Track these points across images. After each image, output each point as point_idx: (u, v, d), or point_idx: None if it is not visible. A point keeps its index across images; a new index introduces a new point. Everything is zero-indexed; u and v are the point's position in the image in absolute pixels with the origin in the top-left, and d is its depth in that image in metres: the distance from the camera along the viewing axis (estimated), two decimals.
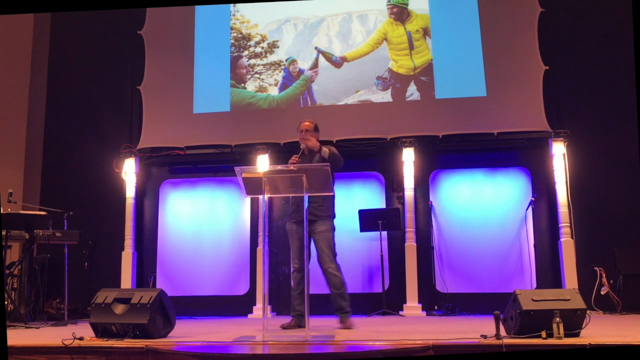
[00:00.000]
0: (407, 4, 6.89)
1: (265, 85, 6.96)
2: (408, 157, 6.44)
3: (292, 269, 4.54)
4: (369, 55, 6.85)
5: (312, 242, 4.49)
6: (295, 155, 4.39)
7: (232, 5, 7.19)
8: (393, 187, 6.68)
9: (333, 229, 4.52)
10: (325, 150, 4.46)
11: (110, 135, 7.13)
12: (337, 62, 6.89)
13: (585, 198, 6.24)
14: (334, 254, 4.46)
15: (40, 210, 5.78)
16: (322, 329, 4.31)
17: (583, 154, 6.32)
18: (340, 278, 4.40)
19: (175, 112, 6.97)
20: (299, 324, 4.43)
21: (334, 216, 4.57)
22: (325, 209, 4.47)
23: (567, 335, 3.04)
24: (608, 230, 6.13)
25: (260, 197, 3.85)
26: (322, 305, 6.21)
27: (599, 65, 6.50)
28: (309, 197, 4.28)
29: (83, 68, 7.43)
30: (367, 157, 6.79)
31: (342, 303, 4.37)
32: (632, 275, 5.77)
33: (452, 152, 6.70)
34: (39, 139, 7.35)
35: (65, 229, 5.78)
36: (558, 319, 3.04)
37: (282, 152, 6.74)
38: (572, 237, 6.04)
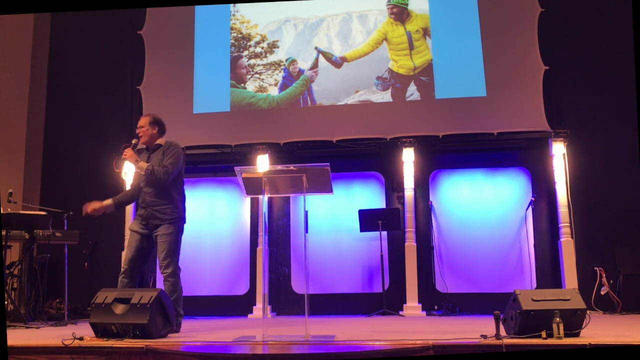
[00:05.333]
0: (407, 4, 6.89)
1: (265, 85, 6.96)
2: (408, 157, 6.45)
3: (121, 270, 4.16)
4: (369, 55, 6.85)
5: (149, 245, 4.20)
6: (128, 149, 4.21)
7: (232, 5, 7.19)
8: (393, 187, 6.68)
9: (180, 232, 4.19)
10: (142, 165, 4.16)
11: (110, 135, 7.13)
12: (337, 62, 6.89)
13: (585, 198, 6.24)
14: (174, 259, 4.11)
15: (40, 210, 5.77)
16: (322, 329, 4.31)
17: (583, 154, 6.32)
18: (173, 284, 4.08)
19: (175, 112, 6.95)
20: None
21: (182, 219, 4.23)
22: (171, 212, 4.14)
23: (567, 335, 3.04)
24: (608, 230, 6.14)
25: (260, 197, 3.84)
26: (322, 305, 6.24)
27: (599, 65, 6.50)
28: (152, 199, 4.13)
29: (83, 68, 7.43)
30: (367, 157, 6.80)
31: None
32: (632, 275, 5.77)
33: (452, 152, 6.70)
34: (39, 139, 7.35)
35: (65, 229, 5.78)
36: (558, 319, 3.04)
37: (282, 152, 6.75)
38: (572, 237, 6.04)
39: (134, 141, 4.33)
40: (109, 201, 4.27)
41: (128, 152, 4.22)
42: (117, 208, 4.36)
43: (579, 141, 6.34)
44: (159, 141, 4.35)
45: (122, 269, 4.16)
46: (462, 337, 3.24)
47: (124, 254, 4.22)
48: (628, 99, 5.95)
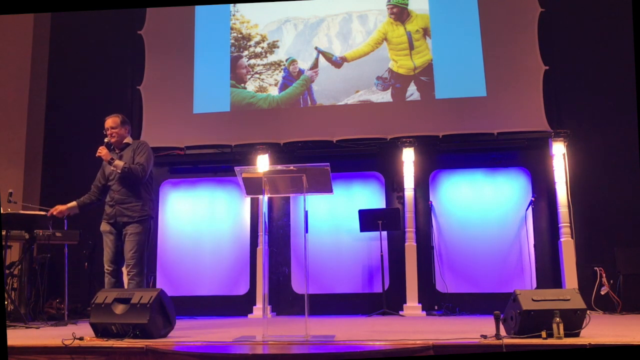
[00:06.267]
0: (407, 4, 6.89)
1: (265, 85, 6.96)
2: (408, 157, 6.45)
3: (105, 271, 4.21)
4: (369, 55, 6.85)
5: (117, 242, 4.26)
6: (103, 147, 4.27)
7: (232, 5, 7.19)
8: (393, 187, 6.68)
9: (148, 231, 4.24)
10: (118, 164, 4.22)
11: None
12: (337, 62, 6.89)
13: (585, 198, 6.24)
14: (140, 258, 4.15)
15: (40, 210, 5.76)
16: (322, 329, 4.31)
17: (583, 154, 6.33)
18: (138, 284, 4.10)
19: (175, 112, 6.97)
20: None
21: (151, 217, 4.28)
22: (139, 210, 4.20)
23: (567, 335, 3.04)
24: (608, 230, 6.14)
25: (260, 197, 3.84)
26: (322, 305, 6.24)
27: (599, 66, 6.50)
28: (120, 197, 4.19)
29: (83, 68, 7.42)
30: (367, 157, 6.79)
31: None
32: (632, 275, 5.78)
33: (452, 152, 6.70)
34: (39, 139, 7.34)
35: (65, 229, 5.78)
36: (558, 319, 3.04)
37: (282, 152, 6.75)
38: (572, 237, 6.04)
39: (106, 140, 4.37)
40: (73, 203, 4.41)
41: (103, 150, 4.28)
42: (81, 209, 4.46)
43: (579, 141, 6.34)
44: (126, 140, 4.44)
45: (106, 271, 4.23)
46: (462, 337, 3.24)
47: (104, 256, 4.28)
48: (628, 99, 5.95)
